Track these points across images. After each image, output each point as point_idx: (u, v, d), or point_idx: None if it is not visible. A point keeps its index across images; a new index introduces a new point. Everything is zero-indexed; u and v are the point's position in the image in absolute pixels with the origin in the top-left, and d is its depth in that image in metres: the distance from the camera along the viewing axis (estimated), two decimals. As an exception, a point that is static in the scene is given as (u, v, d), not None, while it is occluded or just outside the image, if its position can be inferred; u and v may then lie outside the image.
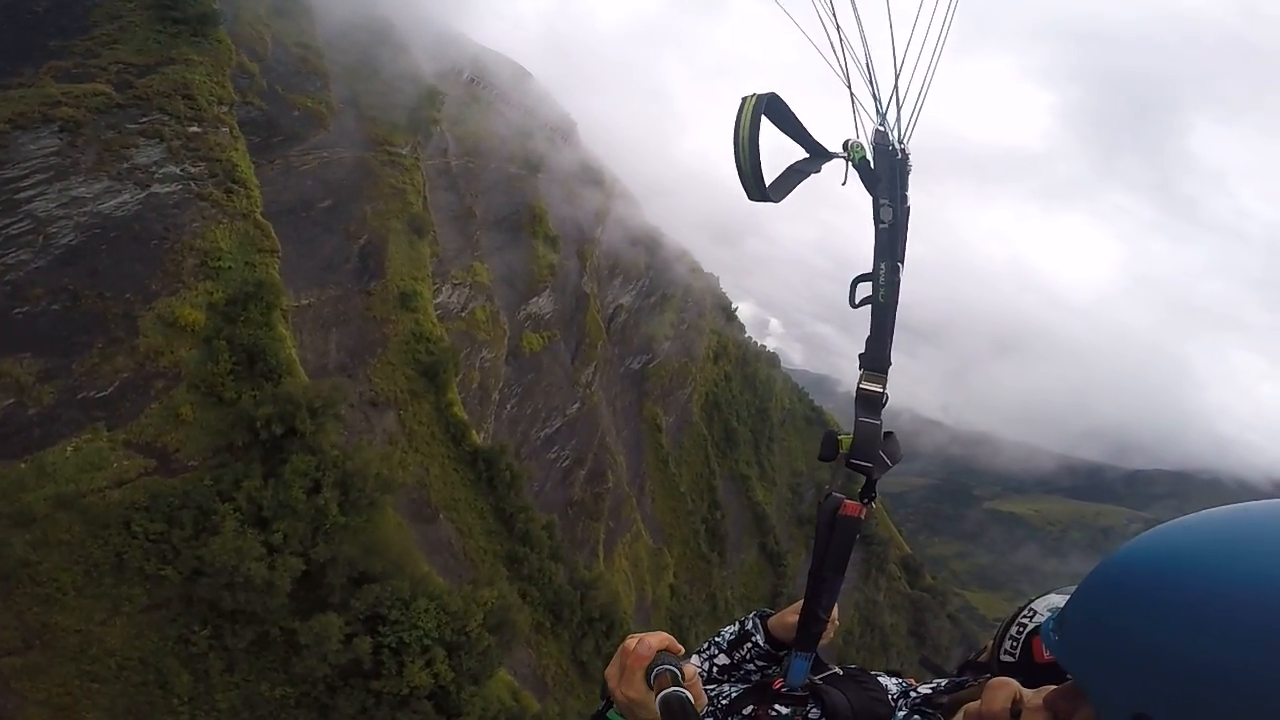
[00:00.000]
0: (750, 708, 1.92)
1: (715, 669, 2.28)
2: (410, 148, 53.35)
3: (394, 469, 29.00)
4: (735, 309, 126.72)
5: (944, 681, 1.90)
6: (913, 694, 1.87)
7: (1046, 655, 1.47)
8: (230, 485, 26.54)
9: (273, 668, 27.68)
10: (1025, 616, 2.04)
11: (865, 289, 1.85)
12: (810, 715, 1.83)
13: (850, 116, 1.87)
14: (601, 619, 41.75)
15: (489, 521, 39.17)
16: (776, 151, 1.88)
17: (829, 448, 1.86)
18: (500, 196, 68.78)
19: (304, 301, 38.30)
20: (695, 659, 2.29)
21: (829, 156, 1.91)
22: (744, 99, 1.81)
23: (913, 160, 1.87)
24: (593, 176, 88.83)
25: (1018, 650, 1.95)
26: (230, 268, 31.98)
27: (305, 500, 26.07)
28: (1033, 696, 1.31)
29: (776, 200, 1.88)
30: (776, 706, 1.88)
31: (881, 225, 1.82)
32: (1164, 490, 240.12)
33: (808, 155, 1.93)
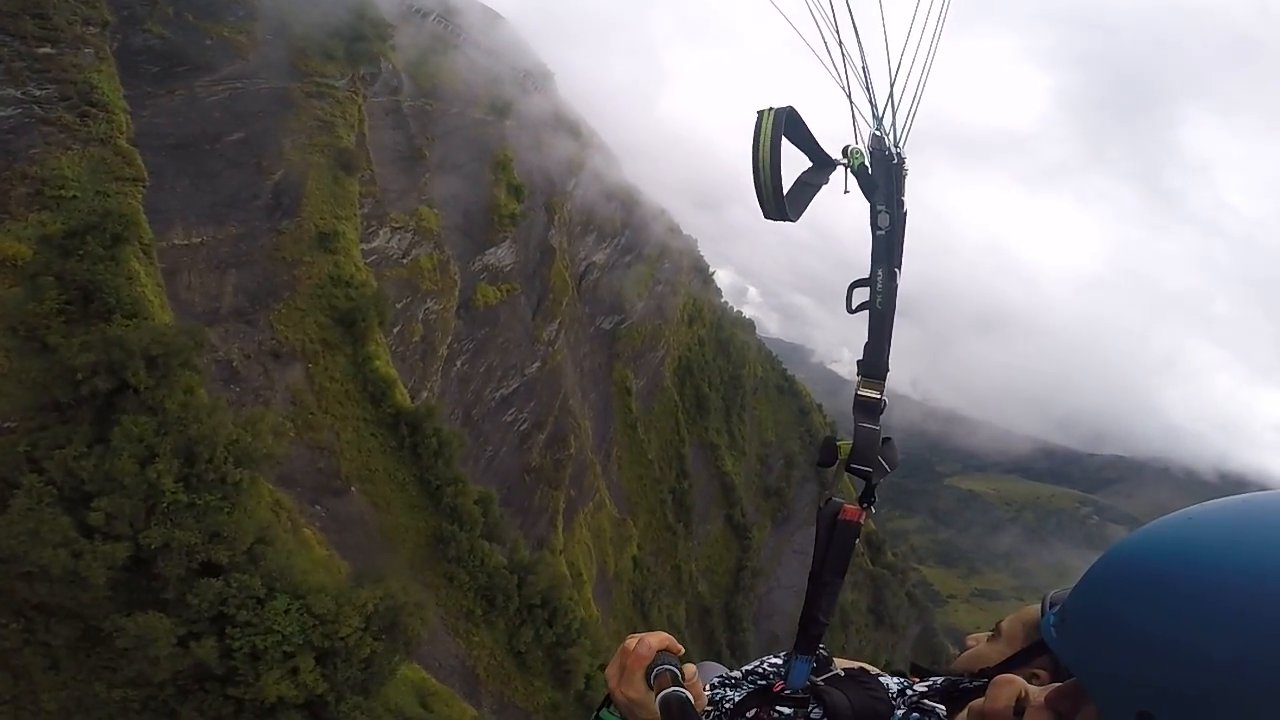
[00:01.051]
0: (753, 710, 1.88)
1: (729, 677, 2.18)
2: (348, 80, 45.83)
3: (262, 436, 22.54)
4: (713, 273, 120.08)
5: (940, 679, 1.86)
6: (909, 692, 1.82)
7: None
8: (46, 453, 20.02)
9: (106, 667, 21.66)
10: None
11: (862, 294, 1.79)
12: (812, 716, 1.79)
13: (837, 117, 1.82)
14: (543, 605, 35.96)
15: (411, 495, 32.91)
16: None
17: (828, 453, 1.81)
18: (460, 141, 61.37)
19: (194, 240, 31.42)
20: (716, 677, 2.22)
21: (833, 165, 1.83)
22: (761, 113, 1.74)
23: (908, 165, 1.82)
24: (567, 126, 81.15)
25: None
26: (76, 197, 25.38)
27: (137, 473, 19.65)
28: (1038, 694, 1.24)
29: (794, 219, 1.80)
30: (778, 708, 1.83)
31: (879, 231, 1.76)
32: (1115, 475, 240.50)
33: (811, 165, 1.85)
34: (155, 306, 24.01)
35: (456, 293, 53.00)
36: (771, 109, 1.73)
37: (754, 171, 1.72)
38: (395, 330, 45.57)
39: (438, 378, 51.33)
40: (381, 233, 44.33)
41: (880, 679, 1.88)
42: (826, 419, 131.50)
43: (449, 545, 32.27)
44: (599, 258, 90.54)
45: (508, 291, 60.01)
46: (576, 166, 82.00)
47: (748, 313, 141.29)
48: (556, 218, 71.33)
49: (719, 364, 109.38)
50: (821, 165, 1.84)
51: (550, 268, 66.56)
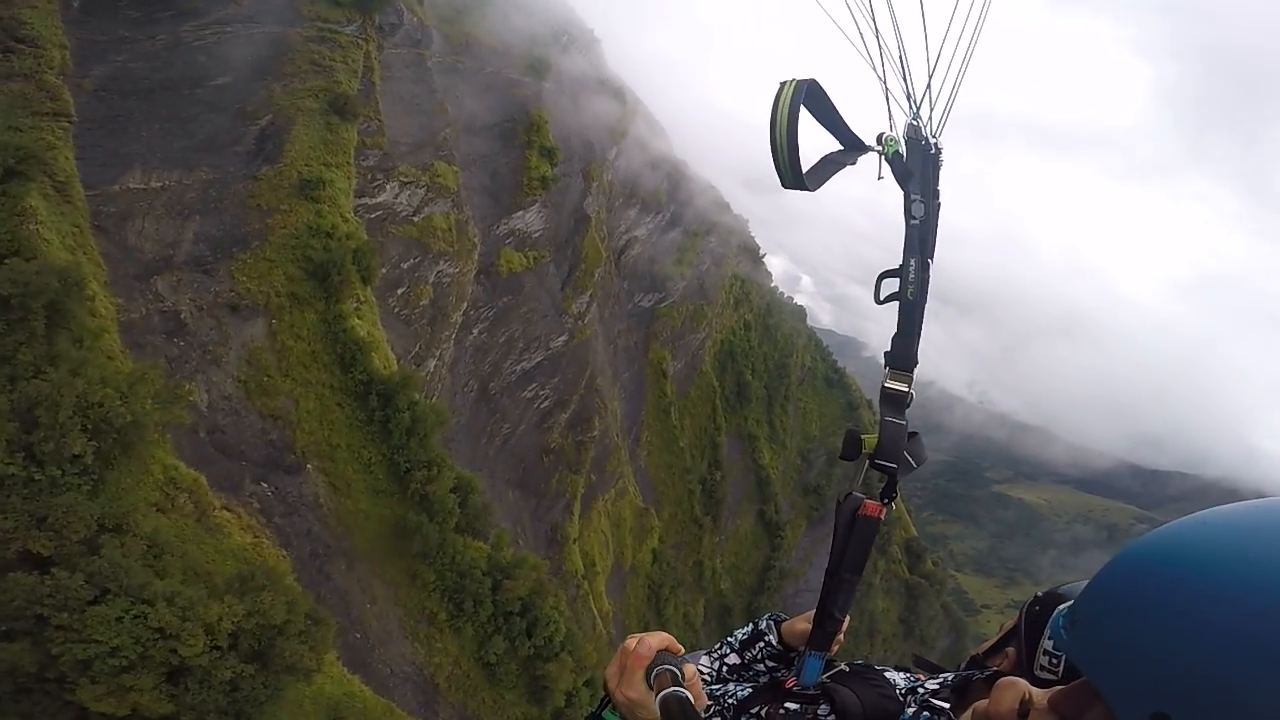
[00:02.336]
0: (760, 706, 1.83)
1: (725, 668, 2.19)
2: (357, 26, 41.15)
3: (139, 399, 17.95)
4: (764, 255, 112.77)
5: (950, 676, 1.80)
6: (920, 690, 1.75)
7: None
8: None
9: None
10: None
11: (891, 285, 1.74)
12: (820, 713, 1.74)
13: (881, 106, 1.77)
14: (521, 613, 31.03)
15: (377, 477, 28.28)
16: (809, 139, 1.72)
17: (851, 447, 1.76)
18: (493, 101, 56.37)
19: (154, 184, 27.22)
20: (705, 658, 2.22)
21: (864, 149, 1.79)
22: (782, 84, 1.69)
23: (944, 155, 1.79)
24: (610, 91, 75.23)
25: (1060, 668, 1.67)
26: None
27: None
28: (1041, 696, 1.22)
29: (813, 189, 1.75)
30: (787, 704, 1.78)
31: (913, 221, 1.72)
32: (1177, 493, 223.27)
33: (841, 147, 1.80)
34: (54, 247, 19.80)
35: (476, 256, 48.21)
36: (794, 80, 1.67)
37: (770, 139, 1.66)
38: (400, 291, 41.09)
39: (449, 345, 46.77)
40: (389, 186, 39.61)
41: (886, 674, 1.81)
42: (877, 416, 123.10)
43: (414, 538, 27.59)
44: (641, 232, 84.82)
45: (535, 259, 54.95)
46: (619, 134, 76.10)
47: (800, 302, 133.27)
48: (595, 185, 65.77)
49: (764, 350, 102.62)
50: (851, 147, 1.79)
51: (584, 237, 61.17)
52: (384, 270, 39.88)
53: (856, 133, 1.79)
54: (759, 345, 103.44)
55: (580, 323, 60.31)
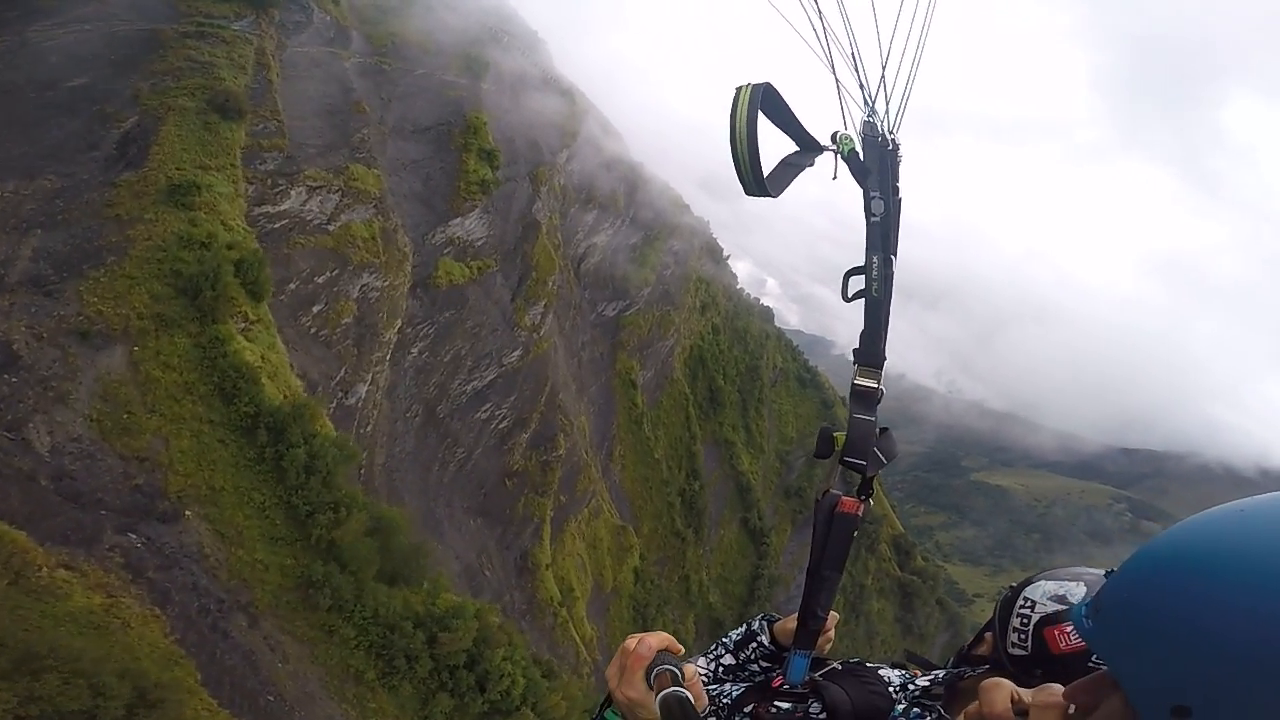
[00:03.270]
0: (751, 705, 1.83)
1: (721, 668, 2.19)
2: (250, 22, 36.55)
3: None
4: (727, 256, 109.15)
5: (942, 673, 1.80)
6: (911, 686, 1.77)
7: (1064, 646, 1.56)
8: None
9: None
10: (1025, 607, 1.79)
11: (857, 282, 1.71)
12: (811, 711, 1.74)
13: (836, 103, 1.73)
14: (469, 666, 26.12)
15: (274, 523, 23.29)
16: (766, 142, 1.70)
17: (824, 444, 1.72)
18: (425, 103, 52.00)
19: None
20: (702, 660, 2.22)
21: (820, 150, 1.77)
22: (739, 89, 1.66)
23: (903, 151, 1.75)
24: (557, 90, 71.28)
25: (1029, 641, 1.71)
26: None
27: None
28: (1035, 694, 1.18)
29: (775, 195, 1.74)
30: (777, 703, 1.78)
31: (873, 219, 1.69)
32: (1149, 470, 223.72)
33: (798, 148, 1.77)
34: None
35: (409, 268, 43.49)
36: (749, 85, 1.64)
37: (731, 147, 1.63)
38: (315, 309, 36.22)
39: (383, 368, 41.86)
40: (294, 193, 34.83)
41: (880, 671, 1.80)
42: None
43: (323, 590, 22.69)
44: (600, 238, 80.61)
45: (479, 269, 50.27)
46: (569, 135, 71.92)
47: (767, 304, 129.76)
48: (544, 189, 61.39)
49: (734, 354, 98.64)
50: (807, 148, 1.76)
51: (534, 244, 56.68)
52: (293, 286, 35.07)
53: (812, 133, 1.73)
54: (729, 349, 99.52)
55: (536, 335, 55.67)
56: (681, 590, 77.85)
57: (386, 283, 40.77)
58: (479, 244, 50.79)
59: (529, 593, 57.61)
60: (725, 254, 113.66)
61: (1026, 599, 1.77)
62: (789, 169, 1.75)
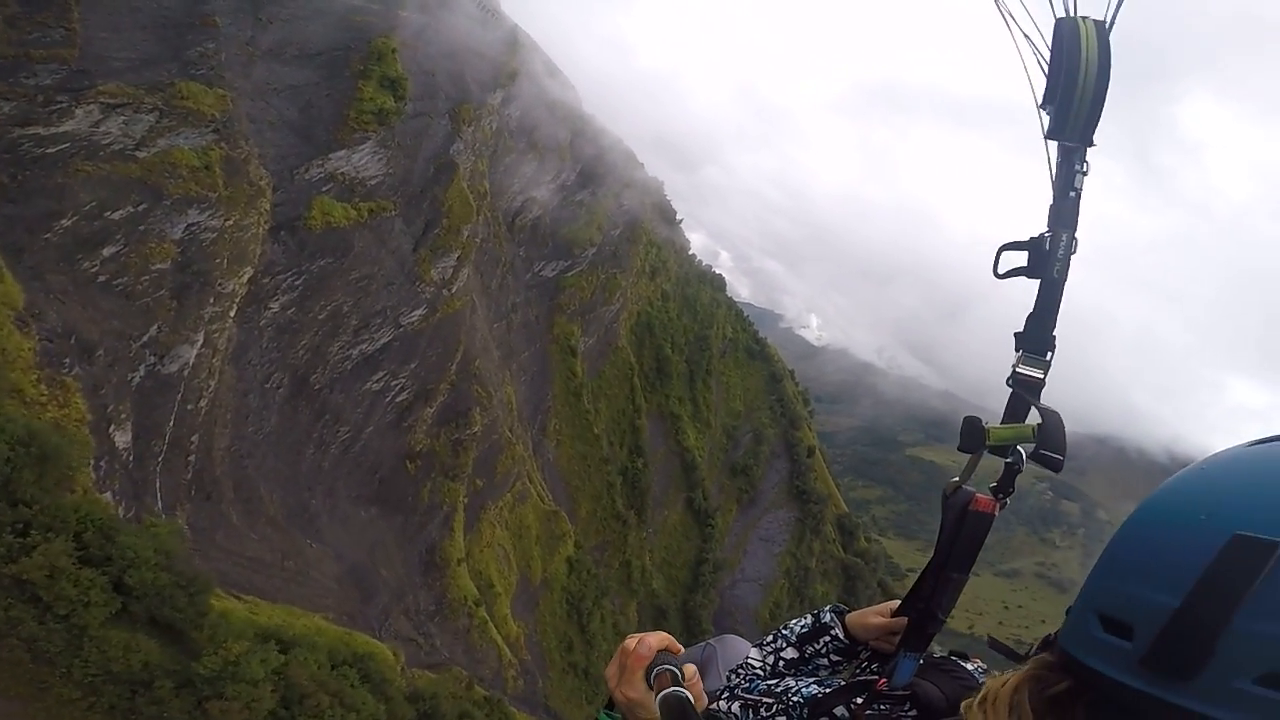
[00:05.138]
0: (841, 705, 1.64)
1: (781, 662, 2.04)
2: None
3: None
4: (680, 220, 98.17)
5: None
6: None
7: None
8: None
9: None
10: None
11: (1011, 259, 1.52)
12: (905, 710, 1.59)
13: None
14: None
15: None
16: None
17: (974, 436, 1.53)
18: (320, 27, 40.52)
19: None
20: (755, 652, 2.08)
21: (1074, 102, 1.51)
22: (1069, 20, 1.44)
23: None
24: (494, 23, 58.50)
25: None
26: None
27: None
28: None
29: (1093, 143, 1.50)
30: (875, 706, 1.61)
31: (1073, 194, 1.51)
32: (1071, 452, 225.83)
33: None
34: None
35: (267, 206, 31.40)
36: (1086, 18, 1.43)
37: (1073, 84, 1.40)
38: (107, 252, 24.30)
39: (226, 326, 29.78)
40: (80, 111, 23.28)
41: (965, 666, 1.66)
42: (799, 386, 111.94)
43: (10, 637, 11.66)
44: (541, 192, 68.43)
45: (371, 211, 38.13)
46: (506, 75, 59.32)
47: (719, 274, 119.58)
48: (469, 130, 49.38)
49: (683, 322, 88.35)
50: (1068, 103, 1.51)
51: (447, 188, 44.51)
52: (66, 222, 23.18)
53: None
54: (678, 317, 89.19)
55: (446, 292, 43.74)
56: (622, 577, 68.38)
57: (229, 222, 28.88)
58: (372, 183, 38.65)
59: (438, 592, 46.66)
60: (679, 218, 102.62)
61: None
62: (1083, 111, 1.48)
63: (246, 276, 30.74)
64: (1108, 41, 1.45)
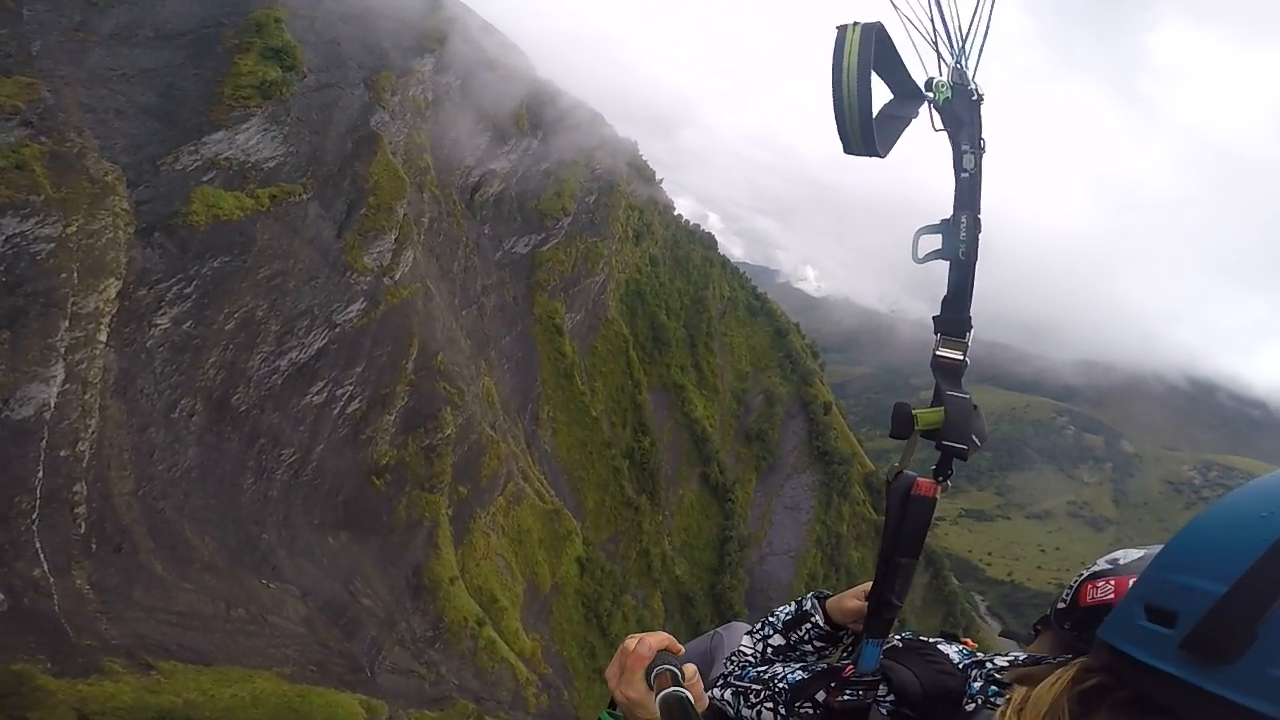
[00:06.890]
0: (817, 691, 1.70)
1: (770, 649, 2.08)
2: None
3: None
4: (660, 180, 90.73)
5: (1022, 656, 1.67)
6: (989, 665, 1.64)
7: (1089, 600, 1.56)
8: None
9: None
10: (1085, 566, 1.77)
11: (929, 242, 1.50)
12: (880, 695, 1.64)
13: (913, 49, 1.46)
14: None
15: None
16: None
17: (903, 423, 1.50)
18: (181, 5, 33.44)
19: None
20: (747, 639, 2.13)
21: (921, 99, 1.52)
22: (843, 29, 1.41)
23: (985, 100, 1.54)
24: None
25: (1070, 595, 1.68)
26: None
27: None
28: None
29: (883, 155, 1.49)
30: (848, 692, 1.65)
31: (964, 174, 1.50)
32: (1085, 381, 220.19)
33: (894, 97, 1.52)
34: None
35: (125, 205, 25.02)
36: (857, 24, 1.40)
37: (835, 99, 1.39)
38: None
39: (95, 351, 23.50)
40: None
41: (939, 647, 1.69)
42: (806, 339, 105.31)
43: None
44: (501, 165, 61.39)
45: (272, 198, 31.47)
46: (432, 40, 51.91)
47: (708, 233, 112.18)
48: (394, 99, 42.48)
49: (677, 286, 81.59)
50: (908, 96, 1.52)
51: (370, 161, 37.65)
52: None
53: (913, 78, 1.48)
54: (670, 281, 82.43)
55: (389, 281, 37.16)
56: (642, 568, 62.81)
57: (70, 228, 22.38)
58: (270, 165, 32.06)
59: (432, 616, 40.90)
60: (660, 178, 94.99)
61: (1094, 562, 1.72)
62: (892, 121, 1.48)
63: (112, 291, 24.49)
64: (881, 38, 1.37)
